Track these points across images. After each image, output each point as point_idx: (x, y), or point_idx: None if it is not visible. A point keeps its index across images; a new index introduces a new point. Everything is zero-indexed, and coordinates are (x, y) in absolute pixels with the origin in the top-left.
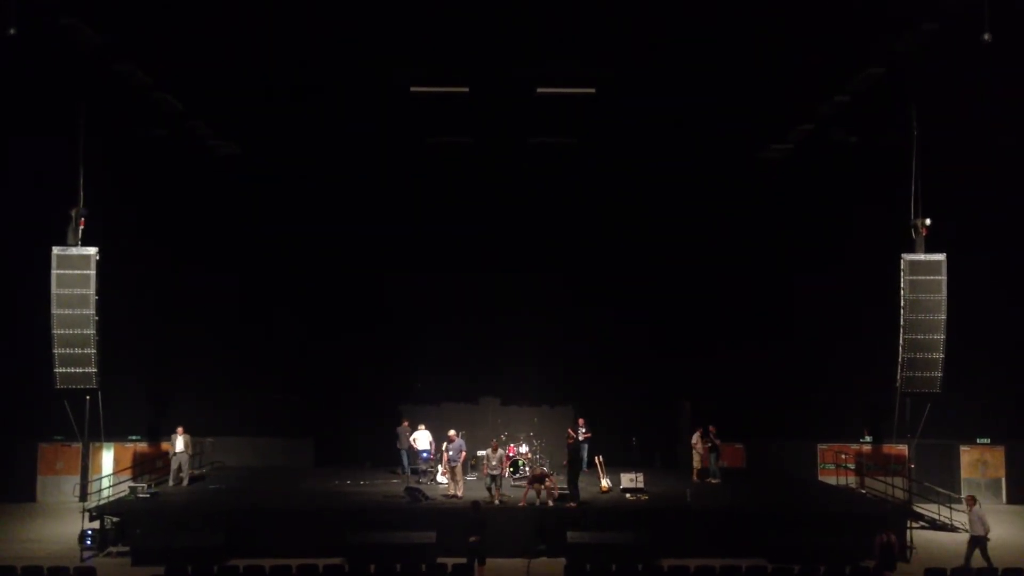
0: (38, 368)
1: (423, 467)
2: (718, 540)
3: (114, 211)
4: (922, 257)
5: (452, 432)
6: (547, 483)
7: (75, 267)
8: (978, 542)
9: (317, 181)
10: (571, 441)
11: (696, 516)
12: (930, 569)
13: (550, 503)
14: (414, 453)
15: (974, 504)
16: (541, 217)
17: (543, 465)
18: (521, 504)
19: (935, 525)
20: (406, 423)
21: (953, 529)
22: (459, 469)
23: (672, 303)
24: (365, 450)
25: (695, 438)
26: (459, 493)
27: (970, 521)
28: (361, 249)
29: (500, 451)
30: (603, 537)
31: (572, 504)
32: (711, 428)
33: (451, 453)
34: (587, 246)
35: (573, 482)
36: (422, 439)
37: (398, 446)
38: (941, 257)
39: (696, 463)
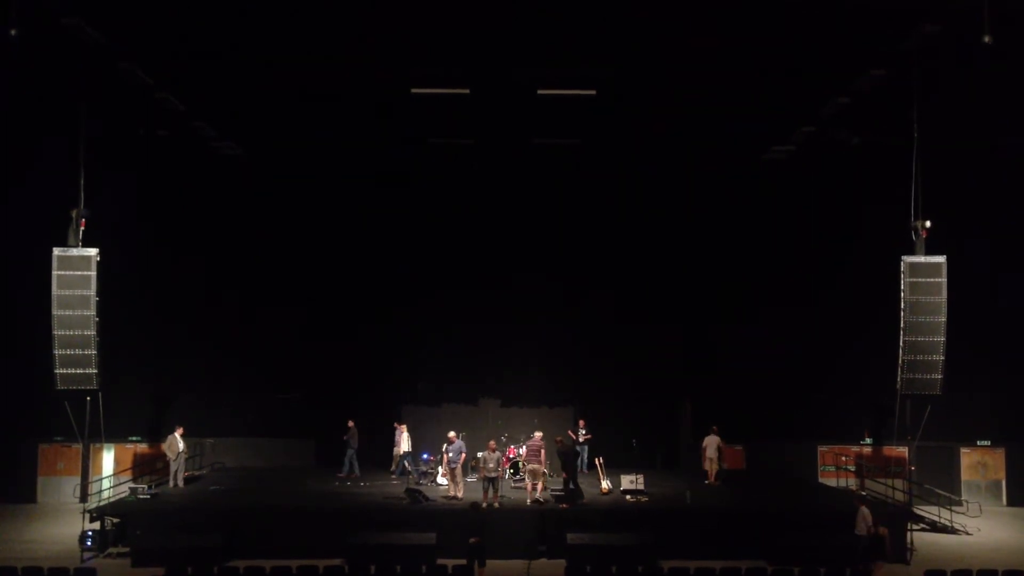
0: (38, 369)
1: (423, 468)
2: (718, 541)
3: (115, 211)
4: (922, 259)
5: (452, 434)
6: (542, 480)
7: (76, 268)
8: (861, 541)
9: (319, 182)
10: (559, 444)
11: (696, 518)
12: (930, 571)
13: (542, 499)
14: (406, 455)
15: (861, 504)
16: (543, 218)
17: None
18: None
19: (935, 527)
20: (352, 424)
21: (953, 531)
22: (459, 470)
23: (673, 304)
24: (365, 451)
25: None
26: (459, 494)
27: (856, 520)
28: (363, 250)
29: (498, 453)
30: (603, 538)
31: (568, 503)
32: (714, 428)
33: (451, 455)
34: (588, 247)
35: (572, 481)
36: (405, 440)
37: (352, 446)
38: (941, 259)
39: (715, 465)
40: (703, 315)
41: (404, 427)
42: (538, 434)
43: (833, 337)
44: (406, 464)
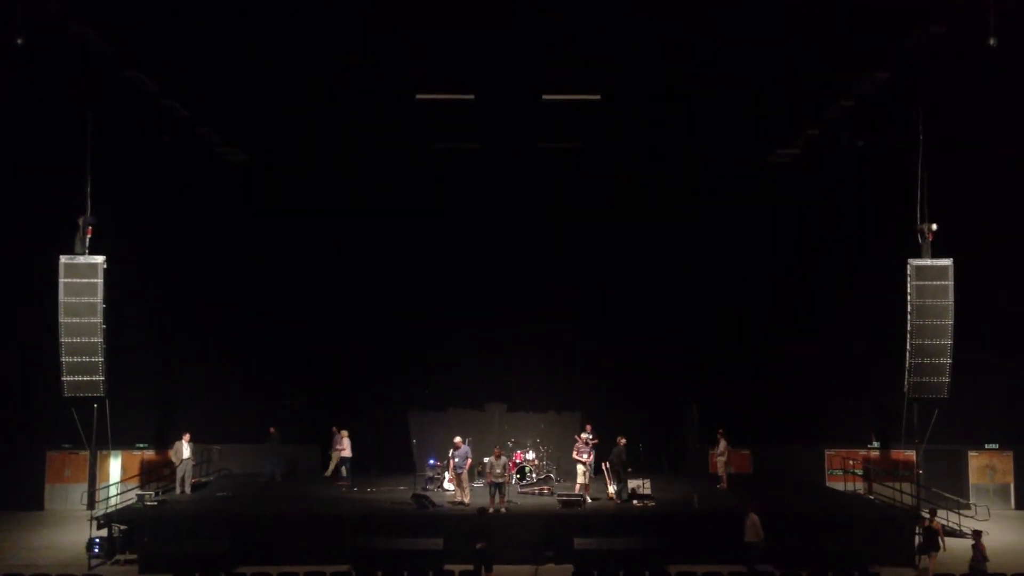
0: (46, 376)
1: (430, 473)
2: (725, 546)
3: (121, 219)
4: (929, 262)
5: (458, 439)
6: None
7: (82, 275)
8: (750, 547)
9: (323, 187)
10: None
11: (703, 522)
12: (939, 575)
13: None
14: (344, 460)
15: (752, 512)
16: (548, 222)
17: (550, 472)
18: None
19: (944, 531)
20: (273, 429)
21: (962, 535)
22: (465, 476)
23: (679, 307)
24: (372, 457)
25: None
26: (466, 499)
27: (746, 528)
28: (368, 255)
29: (504, 458)
30: (610, 543)
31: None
32: (719, 431)
33: (457, 460)
34: (593, 251)
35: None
36: (347, 445)
37: (275, 452)
38: (948, 262)
39: (723, 469)
40: (708, 318)
41: (344, 433)
42: (587, 435)
43: (840, 340)
44: (343, 469)
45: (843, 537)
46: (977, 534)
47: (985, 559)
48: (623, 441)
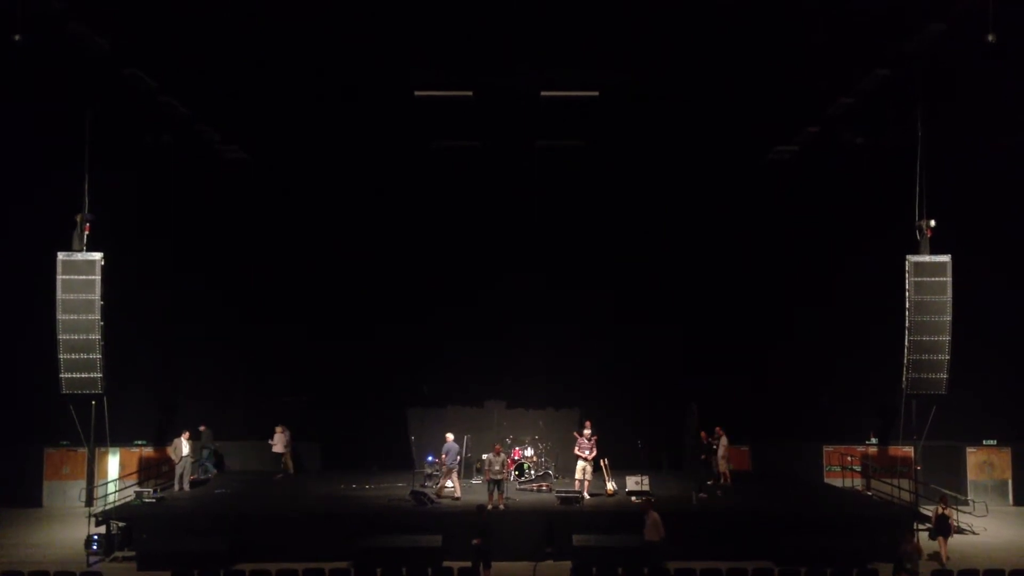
0: (44, 373)
1: (429, 471)
2: (724, 542)
3: (119, 216)
4: (927, 258)
5: (449, 435)
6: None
7: (80, 272)
8: (651, 546)
9: (323, 185)
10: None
11: (702, 518)
12: (937, 572)
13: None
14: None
15: (650, 509)
16: (547, 220)
17: (548, 469)
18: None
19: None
20: (204, 427)
21: (960, 531)
22: (454, 471)
23: (678, 305)
24: (372, 454)
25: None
26: (456, 494)
27: (646, 526)
28: (367, 253)
29: (503, 455)
30: (609, 540)
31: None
32: (717, 428)
33: (448, 456)
34: (593, 249)
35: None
36: (279, 441)
37: (208, 447)
38: (946, 258)
39: (729, 465)
40: (708, 316)
41: (278, 428)
42: (587, 431)
43: (838, 337)
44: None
45: (841, 534)
46: (910, 531)
47: (918, 555)
48: (719, 431)
